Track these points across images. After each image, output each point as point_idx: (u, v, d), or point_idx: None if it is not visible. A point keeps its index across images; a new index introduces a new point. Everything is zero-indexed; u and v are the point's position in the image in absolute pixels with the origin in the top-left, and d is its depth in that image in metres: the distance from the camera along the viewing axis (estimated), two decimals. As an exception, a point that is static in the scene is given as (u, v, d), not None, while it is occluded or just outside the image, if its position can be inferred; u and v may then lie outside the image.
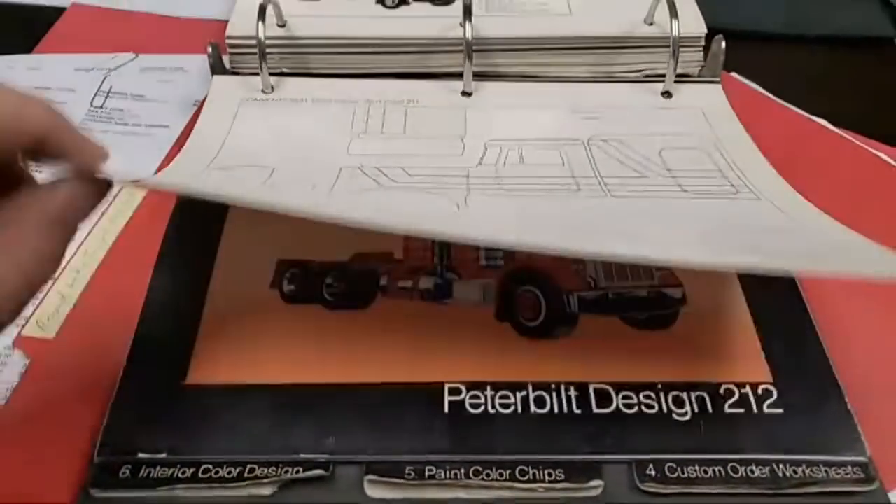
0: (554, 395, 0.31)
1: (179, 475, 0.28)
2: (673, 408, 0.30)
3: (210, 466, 0.29)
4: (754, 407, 0.31)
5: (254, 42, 0.40)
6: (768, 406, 0.31)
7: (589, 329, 0.33)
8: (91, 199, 0.25)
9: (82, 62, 0.48)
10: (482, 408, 0.30)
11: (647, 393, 0.31)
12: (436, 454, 0.29)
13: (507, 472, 0.28)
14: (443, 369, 0.31)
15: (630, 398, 0.31)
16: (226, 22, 0.43)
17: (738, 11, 0.52)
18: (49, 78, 0.47)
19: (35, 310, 0.34)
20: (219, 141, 0.38)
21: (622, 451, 0.29)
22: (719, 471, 0.29)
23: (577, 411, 0.30)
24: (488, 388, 0.31)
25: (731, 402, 0.31)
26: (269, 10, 0.41)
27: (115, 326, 0.33)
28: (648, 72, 0.43)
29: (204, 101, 0.42)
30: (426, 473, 0.28)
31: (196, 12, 0.52)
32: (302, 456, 0.29)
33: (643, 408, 0.30)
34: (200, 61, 0.45)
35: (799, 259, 0.29)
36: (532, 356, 0.32)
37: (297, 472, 0.28)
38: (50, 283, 0.35)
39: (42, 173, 0.25)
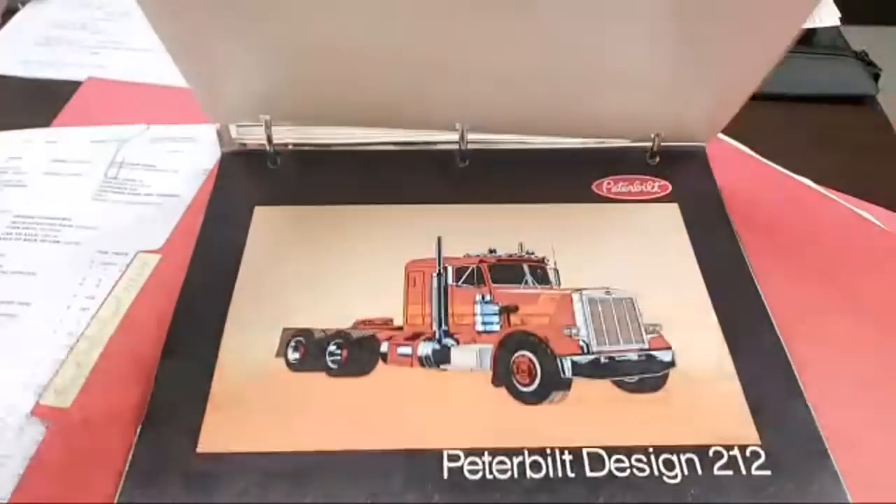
0: (549, 459, 0.32)
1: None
2: (664, 471, 0.31)
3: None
4: (742, 469, 0.32)
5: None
6: (756, 468, 0.32)
7: (582, 393, 0.35)
8: None
9: (97, 134, 0.50)
10: (480, 473, 0.32)
11: (639, 456, 0.32)
12: (436, 520, 0.30)
13: (505, 536, 0.29)
14: (442, 436, 0.33)
15: (622, 461, 0.32)
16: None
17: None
18: (65, 151, 0.49)
19: (53, 378, 0.36)
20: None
21: (615, 514, 0.30)
22: (709, 533, 0.30)
23: (572, 475, 0.31)
24: (486, 454, 0.32)
25: (719, 464, 0.32)
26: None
27: (128, 394, 0.35)
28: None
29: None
30: (427, 539, 0.30)
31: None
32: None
33: (635, 471, 0.31)
34: (210, 130, 0.46)
35: None
36: (528, 421, 0.33)
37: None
38: (67, 351, 0.37)
39: None
